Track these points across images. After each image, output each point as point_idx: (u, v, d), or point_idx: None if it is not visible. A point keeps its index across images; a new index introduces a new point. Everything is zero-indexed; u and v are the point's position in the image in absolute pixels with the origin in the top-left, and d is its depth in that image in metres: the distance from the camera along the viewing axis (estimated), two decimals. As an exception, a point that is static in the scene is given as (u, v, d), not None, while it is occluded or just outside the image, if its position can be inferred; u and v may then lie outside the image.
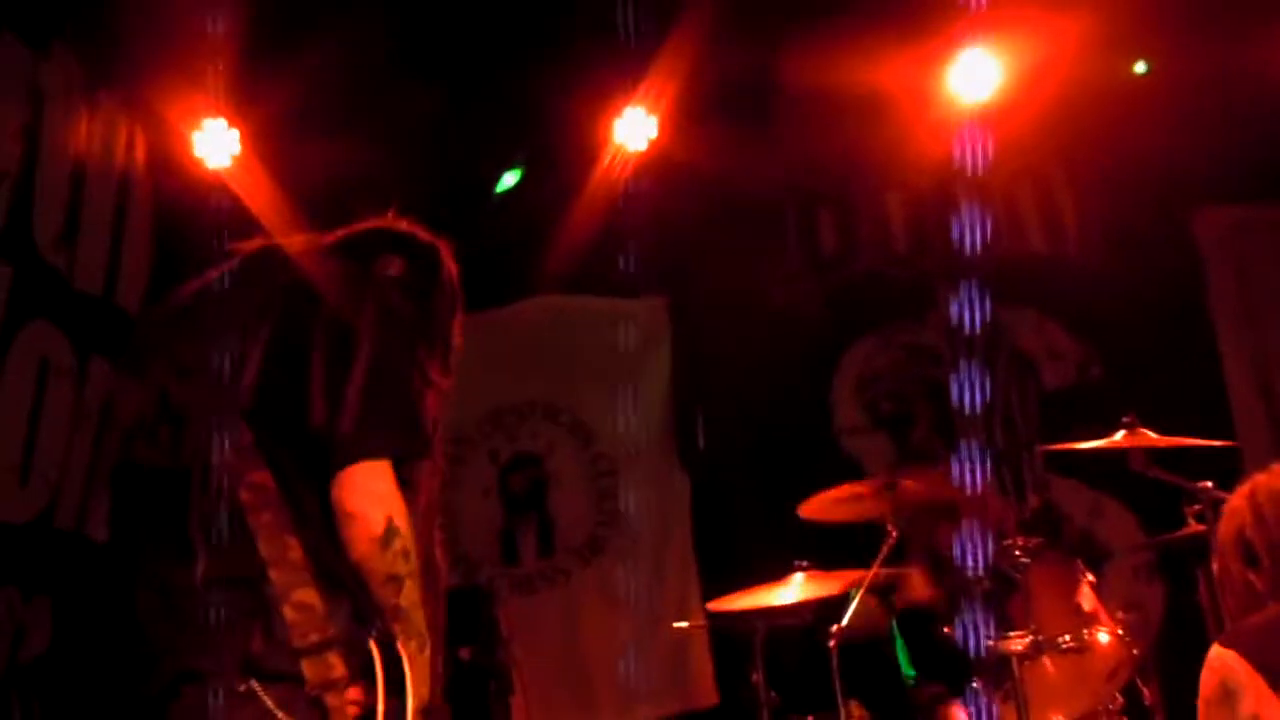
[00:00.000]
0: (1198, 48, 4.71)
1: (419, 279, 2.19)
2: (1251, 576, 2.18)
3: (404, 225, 2.26)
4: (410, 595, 1.95)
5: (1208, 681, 2.14)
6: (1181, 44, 4.75)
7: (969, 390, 4.79)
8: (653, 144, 4.75)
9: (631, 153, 4.77)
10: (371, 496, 1.94)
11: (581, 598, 5.09)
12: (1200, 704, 2.17)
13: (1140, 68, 4.94)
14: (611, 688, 4.95)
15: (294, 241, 2.22)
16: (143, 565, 2.04)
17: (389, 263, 2.18)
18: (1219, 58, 4.68)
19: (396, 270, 2.17)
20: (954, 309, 5.04)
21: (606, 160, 4.79)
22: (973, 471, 4.15)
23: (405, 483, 2.00)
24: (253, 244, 2.23)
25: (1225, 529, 2.26)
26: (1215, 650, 2.14)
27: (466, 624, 3.99)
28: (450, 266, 2.26)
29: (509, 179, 5.11)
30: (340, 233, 2.23)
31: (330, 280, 2.07)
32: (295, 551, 1.92)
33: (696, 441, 5.08)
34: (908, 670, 3.67)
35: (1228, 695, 2.09)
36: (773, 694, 3.55)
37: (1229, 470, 3.22)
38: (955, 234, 4.92)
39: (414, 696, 1.91)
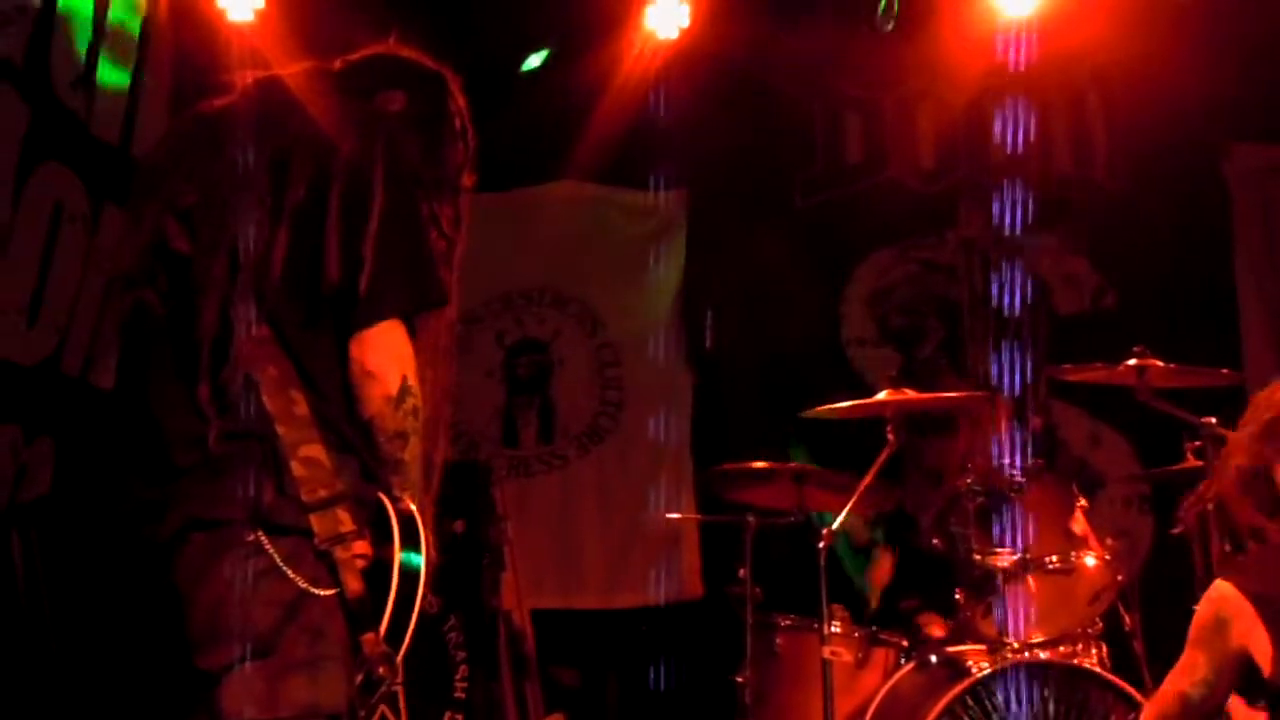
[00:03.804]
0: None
1: (424, 114, 2.11)
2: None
3: (406, 53, 2.17)
4: (413, 450, 1.99)
5: (1205, 611, 2.20)
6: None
7: (981, 310, 4.77)
8: (684, 33, 4.65)
9: (662, 41, 4.67)
10: (389, 355, 1.96)
11: (577, 484, 5.14)
12: (1194, 629, 2.22)
13: None
14: (599, 574, 5.05)
15: (294, 73, 2.13)
16: (151, 415, 2.04)
17: (391, 98, 2.10)
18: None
19: (399, 105, 2.10)
20: (974, 225, 5.00)
21: (636, 48, 4.70)
22: (977, 390, 4.15)
23: (419, 331, 2.00)
24: (250, 77, 2.13)
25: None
26: (1216, 582, 2.20)
27: (464, 498, 4.04)
28: (458, 98, 2.17)
29: (535, 60, 5.00)
30: (339, 62, 2.15)
31: (342, 124, 2.01)
32: (301, 407, 1.92)
33: (703, 339, 5.08)
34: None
35: (1220, 626, 2.16)
36: (758, 590, 3.61)
37: (1234, 408, 3.23)
38: (984, 152, 4.86)
39: (428, 549, 1.95)
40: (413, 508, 1.98)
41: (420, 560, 1.94)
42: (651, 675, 4.70)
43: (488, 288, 5.18)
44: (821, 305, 5.18)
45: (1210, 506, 3.20)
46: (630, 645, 4.86)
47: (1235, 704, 2.26)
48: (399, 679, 1.94)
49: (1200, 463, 3.29)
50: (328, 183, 2.00)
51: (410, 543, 1.94)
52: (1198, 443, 3.32)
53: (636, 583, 4.93)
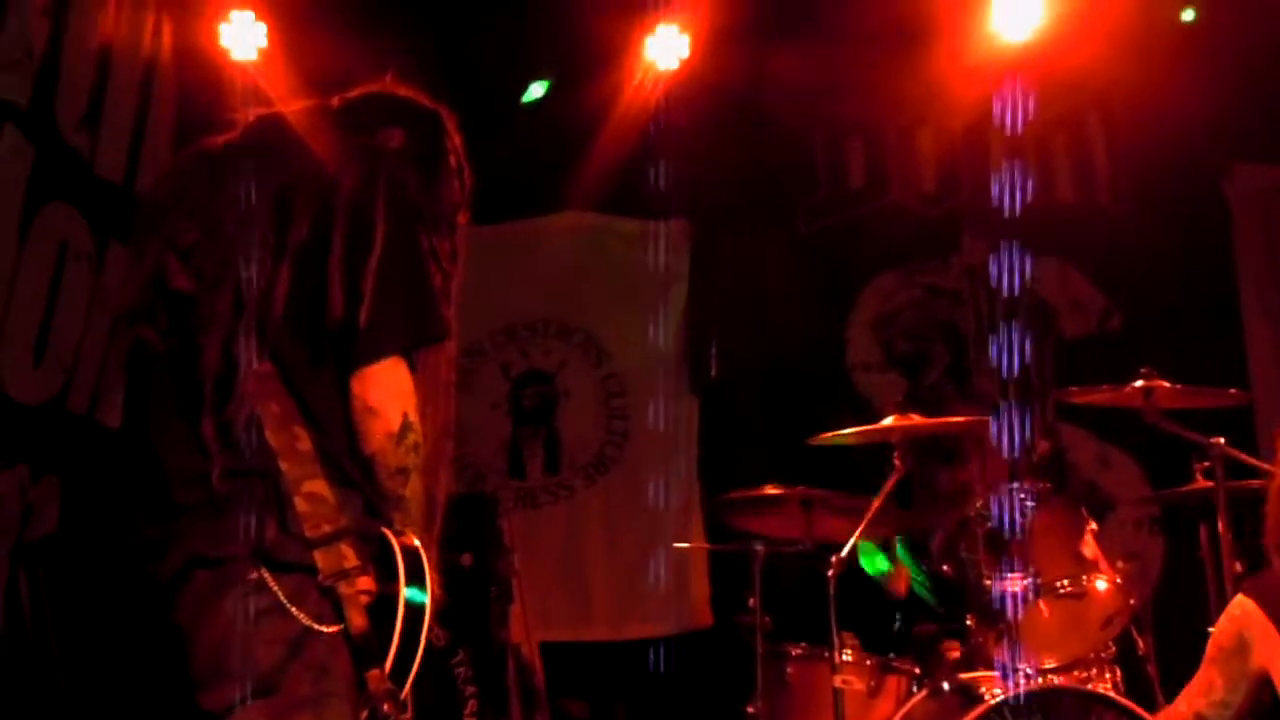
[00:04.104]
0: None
1: (421, 151, 2.12)
2: None
3: (403, 91, 2.18)
4: (414, 486, 1.98)
5: (1226, 629, 2.14)
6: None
7: (987, 335, 4.76)
8: (684, 63, 4.67)
9: (662, 71, 4.70)
10: (391, 391, 1.96)
11: (585, 515, 5.13)
12: (1213, 647, 2.16)
13: (1188, 15, 4.82)
14: (608, 605, 5.02)
15: (295, 111, 2.15)
16: (154, 452, 2.03)
17: (389, 135, 2.12)
18: (1268, 10, 4.57)
19: (397, 142, 2.11)
20: (978, 252, 5.00)
21: (637, 78, 4.73)
22: (983, 415, 4.13)
23: (420, 366, 2.00)
24: (251, 114, 2.15)
25: None
26: (1239, 599, 2.13)
27: (471, 530, 4.03)
28: (454, 136, 2.19)
29: (536, 90, 5.04)
30: (337, 100, 2.16)
31: (343, 161, 2.03)
32: (304, 442, 1.92)
33: (709, 367, 5.08)
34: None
35: (1242, 646, 2.09)
36: (767, 619, 3.58)
37: (1242, 429, 3.22)
38: (985, 176, 4.86)
39: (432, 585, 1.94)
40: (417, 543, 1.97)
41: (425, 596, 1.93)
42: (661, 706, 4.66)
43: (491, 320, 5.19)
44: (826, 331, 5.18)
45: (1222, 527, 3.19)
46: (640, 676, 4.83)
47: None
48: (408, 715, 1.92)
49: (1210, 483, 3.27)
50: (330, 219, 2.01)
51: (415, 578, 1.93)
52: (1207, 463, 3.30)
53: (645, 613, 4.91)
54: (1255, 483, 2.96)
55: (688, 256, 5.17)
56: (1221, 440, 3.20)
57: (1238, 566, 3.10)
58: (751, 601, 3.58)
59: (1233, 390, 3.46)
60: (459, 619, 3.75)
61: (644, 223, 5.09)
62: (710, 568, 4.94)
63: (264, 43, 4.09)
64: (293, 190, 2.03)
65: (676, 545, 4.69)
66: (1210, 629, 2.39)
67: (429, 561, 1.97)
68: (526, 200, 5.16)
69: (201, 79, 4.10)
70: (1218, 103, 4.83)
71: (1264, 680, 2.07)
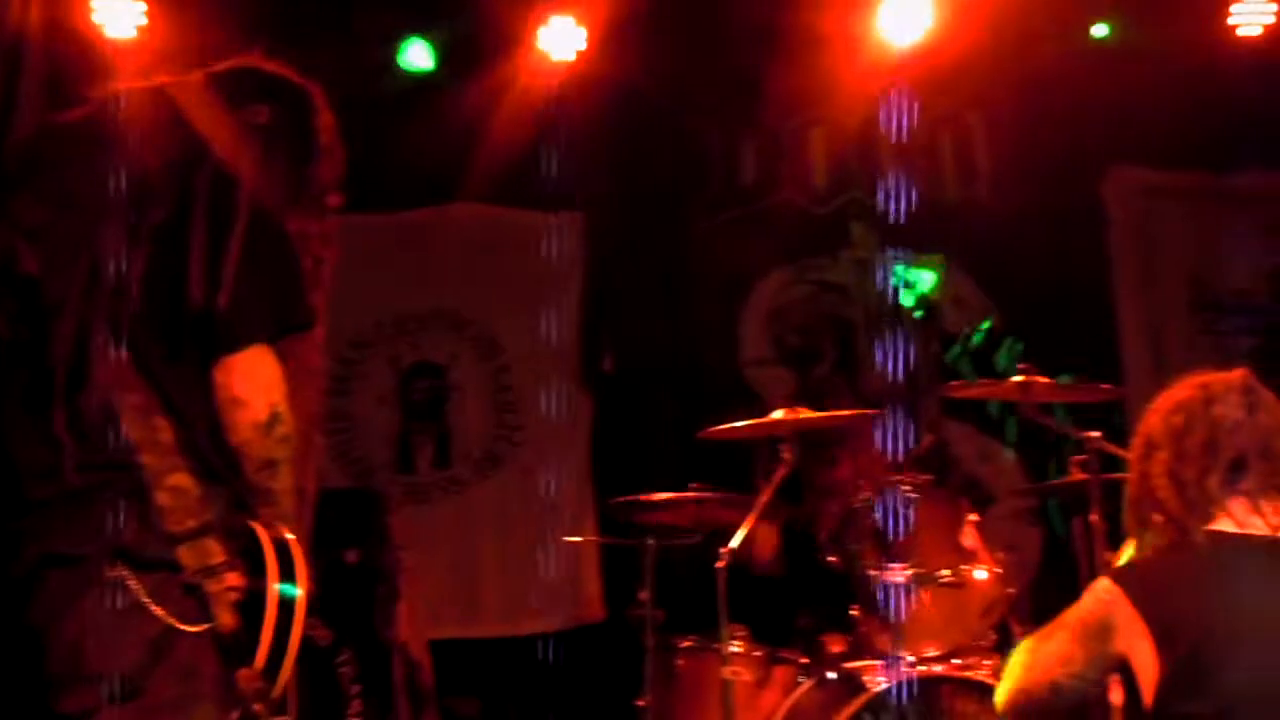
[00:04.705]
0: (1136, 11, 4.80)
1: (290, 128, 2.05)
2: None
3: (272, 67, 2.10)
4: (284, 479, 1.92)
5: (1092, 610, 2.15)
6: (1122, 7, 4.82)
7: (874, 331, 4.85)
8: (581, 55, 4.65)
9: (557, 63, 4.67)
10: (257, 382, 1.88)
11: (476, 510, 5.07)
12: (1077, 623, 2.18)
13: (1101, 31, 4.95)
14: (500, 600, 4.98)
15: (157, 86, 2.04)
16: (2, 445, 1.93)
17: (256, 111, 2.04)
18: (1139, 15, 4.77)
19: (264, 119, 2.04)
20: (866, 248, 5.10)
21: (530, 69, 4.69)
22: (870, 409, 4.20)
23: (288, 355, 1.94)
24: (110, 90, 2.05)
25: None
26: (1107, 584, 2.14)
27: (356, 526, 3.94)
28: (325, 114, 2.11)
29: (420, 57, 4.85)
30: (201, 75, 2.08)
31: (206, 139, 1.94)
32: (165, 434, 1.84)
33: (603, 361, 5.07)
34: None
35: (1105, 630, 2.11)
36: (659, 612, 3.59)
37: (1116, 424, 3.34)
38: (873, 174, 4.96)
39: (304, 582, 1.88)
40: (288, 536, 1.91)
41: (297, 591, 1.87)
42: (553, 702, 4.64)
43: (381, 312, 5.09)
44: (720, 326, 5.22)
45: (1095, 517, 3.30)
46: (531, 672, 4.79)
47: None
48: (292, 714, 1.86)
49: (1086, 476, 3.37)
50: (191, 200, 1.92)
51: (286, 573, 1.87)
52: (1083, 456, 3.40)
53: (537, 608, 4.87)
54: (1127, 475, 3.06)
55: (582, 250, 5.15)
56: (1098, 434, 3.30)
57: (1110, 556, 3.21)
58: (642, 595, 3.58)
59: (1105, 386, 3.57)
60: (343, 617, 3.67)
61: (538, 215, 5.05)
62: (603, 562, 4.93)
63: (143, 20, 3.97)
64: (152, 169, 1.94)
65: (568, 539, 4.66)
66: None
67: (301, 555, 1.91)
68: (419, 190, 5.08)
69: (75, 56, 3.93)
70: (1094, 106, 5.02)
71: (1122, 665, 2.11)
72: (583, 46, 4.63)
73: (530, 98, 4.71)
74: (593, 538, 4.72)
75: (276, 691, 1.84)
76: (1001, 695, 2.31)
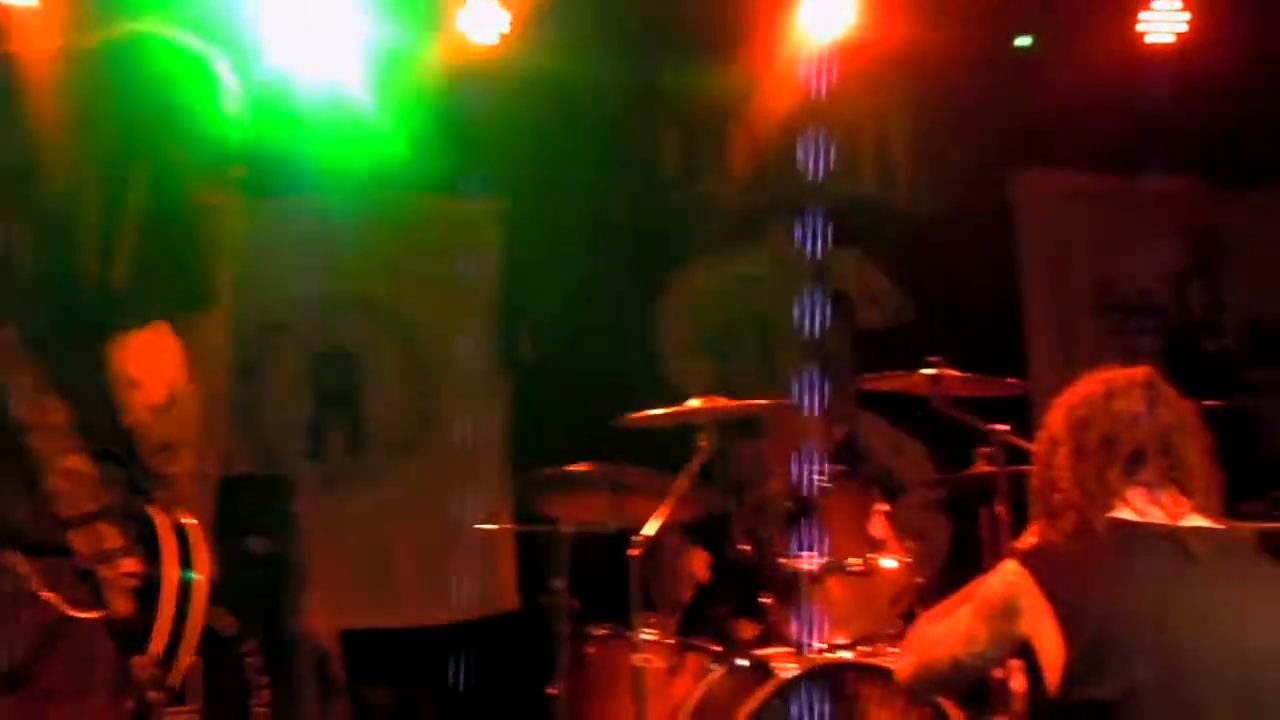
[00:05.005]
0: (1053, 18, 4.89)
1: (190, 95, 1.98)
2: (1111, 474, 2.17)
3: (169, 33, 2.02)
4: (183, 463, 1.87)
5: (998, 592, 2.17)
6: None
7: (791, 323, 4.90)
8: (504, 39, 4.60)
9: (479, 47, 4.62)
10: (154, 362, 1.83)
11: (389, 499, 5.01)
12: (982, 603, 2.21)
13: (1024, 41, 5.03)
14: (413, 590, 4.92)
15: (47, 53, 1.96)
16: None
17: (155, 79, 1.97)
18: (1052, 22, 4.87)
19: (162, 87, 1.97)
20: (785, 242, 5.15)
21: (452, 51, 4.63)
22: (788, 401, 4.25)
23: (188, 335, 1.89)
24: (2, 53, 1.97)
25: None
26: (1014, 566, 2.16)
27: (263, 513, 3.87)
28: (228, 80, 2.04)
29: None
30: (96, 40, 2.00)
31: (103, 105, 1.87)
32: (57, 415, 1.78)
33: (519, 350, 5.04)
34: None
35: (1011, 611, 2.14)
36: (574, 601, 3.58)
37: (1022, 418, 3.42)
38: (794, 168, 5.00)
39: (204, 568, 1.83)
40: (187, 521, 1.86)
41: (196, 577, 1.83)
42: (465, 691, 4.61)
43: (293, 295, 4.99)
44: (639, 316, 5.22)
45: (1001, 508, 3.38)
46: (444, 661, 4.75)
47: None
48: (197, 704, 1.81)
49: (992, 468, 3.44)
50: (84, 172, 1.86)
51: (185, 559, 1.82)
52: (989, 449, 3.47)
53: (451, 597, 4.83)
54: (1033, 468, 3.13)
55: (500, 237, 5.11)
56: (1005, 427, 3.37)
57: (1016, 544, 3.28)
58: (556, 583, 3.57)
59: (1011, 380, 3.66)
60: (251, 606, 3.60)
61: (451, 200, 5.00)
62: (519, 551, 4.91)
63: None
64: (43, 140, 1.86)
65: (481, 527, 4.62)
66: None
67: (201, 541, 1.86)
68: (338, 173, 4.98)
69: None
70: (1008, 111, 5.13)
71: (1024, 646, 2.15)
72: (506, 30, 4.58)
73: (453, 82, 4.65)
74: (508, 525, 4.69)
75: (174, 679, 1.79)
76: (903, 668, 2.35)
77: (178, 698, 1.84)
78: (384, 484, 5.01)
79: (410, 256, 5.10)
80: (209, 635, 1.89)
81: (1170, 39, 4.82)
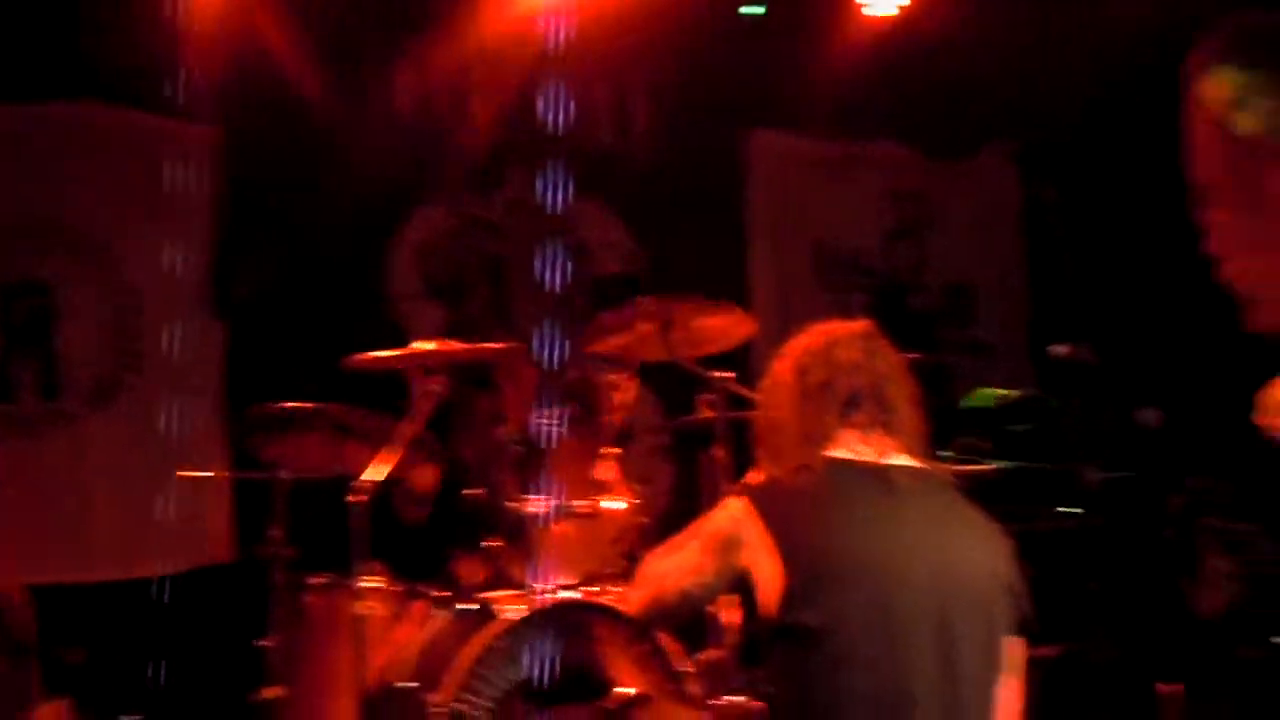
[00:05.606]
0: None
1: None
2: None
3: None
4: None
5: (723, 525, 2.29)
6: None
7: (525, 268, 4.89)
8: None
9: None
10: None
11: (89, 444, 4.62)
12: (708, 537, 2.31)
13: (756, 10, 5.16)
14: (113, 541, 4.59)
15: None
16: None
17: None
18: None
19: None
20: (521, 189, 5.12)
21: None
22: (520, 346, 4.24)
23: None
24: None
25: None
26: (738, 501, 2.28)
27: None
28: None
29: None
30: None
31: None
32: None
33: (237, 288, 4.76)
34: None
35: (733, 544, 2.26)
36: (291, 551, 3.45)
37: (744, 367, 3.58)
38: (531, 115, 4.97)
39: None
40: None
41: None
42: (171, 648, 4.35)
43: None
44: (368, 257, 5.05)
45: (720, 453, 3.52)
46: (148, 617, 4.47)
47: None
48: None
49: (714, 414, 3.58)
50: None
51: None
52: (711, 395, 3.60)
53: (156, 549, 4.54)
54: (751, 414, 3.28)
55: (217, 168, 4.78)
56: (729, 375, 3.51)
57: (735, 486, 3.43)
58: (273, 532, 3.42)
59: (743, 327, 3.79)
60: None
61: (164, 121, 4.62)
62: (235, 501, 4.67)
63: None
64: None
65: (187, 474, 4.33)
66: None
67: None
68: (35, 82, 4.49)
69: None
70: (743, 72, 5.31)
71: (744, 576, 2.26)
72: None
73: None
74: (220, 473, 4.44)
75: None
76: (635, 600, 2.43)
77: None
78: (81, 429, 4.62)
79: (115, 180, 4.67)
80: None
81: (893, 11, 5.09)
